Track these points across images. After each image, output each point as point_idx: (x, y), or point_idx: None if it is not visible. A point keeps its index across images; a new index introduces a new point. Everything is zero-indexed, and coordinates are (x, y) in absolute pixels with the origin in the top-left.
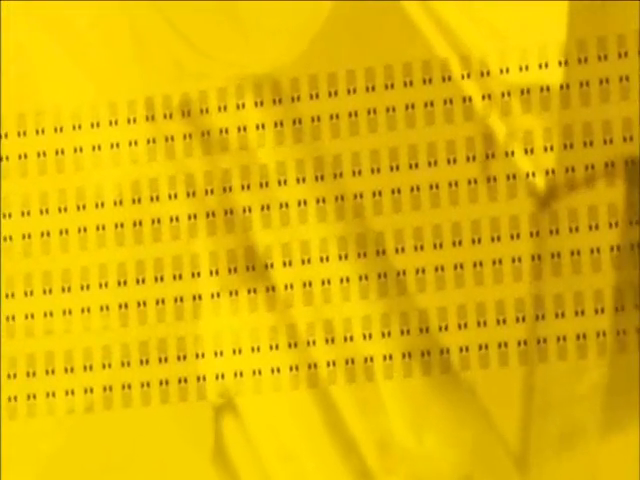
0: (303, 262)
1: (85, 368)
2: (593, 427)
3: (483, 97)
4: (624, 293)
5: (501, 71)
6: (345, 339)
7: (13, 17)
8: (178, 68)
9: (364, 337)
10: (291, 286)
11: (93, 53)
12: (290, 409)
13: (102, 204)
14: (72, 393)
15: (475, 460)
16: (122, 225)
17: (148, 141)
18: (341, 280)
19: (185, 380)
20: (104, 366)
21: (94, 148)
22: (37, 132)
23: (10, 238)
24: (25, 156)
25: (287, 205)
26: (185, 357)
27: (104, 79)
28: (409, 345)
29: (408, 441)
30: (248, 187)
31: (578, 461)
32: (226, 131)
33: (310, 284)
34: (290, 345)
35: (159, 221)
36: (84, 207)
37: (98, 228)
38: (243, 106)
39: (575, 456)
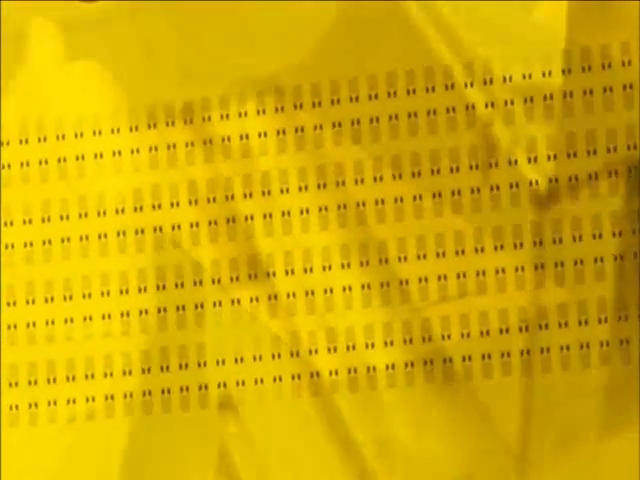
0: (305, 270)
1: (87, 377)
2: (593, 427)
3: (486, 105)
4: (627, 302)
5: (504, 79)
6: (348, 348)
7: (14, 22)
8: (182, 71)
9: (367, 346)
10: (293, 294)
11: (97, 60)
12: (292, 416)
13: (104, 212)
14: (73, 402)
15: (475, 460)
16: (124, 233)
17: (150, 149)
18: (343, 289)
19: (187, 389)
20: (105, 375)
21: (96, 156)
22: (39, 140)
23: (12, 246)
24: (27, 164)
25: (289, 213)
26: (187, 366)
27: (108, 85)
28: (412, 354)
29: (408, 442)
30: (250, 195)
31: (578, 461)
32: (228, 139)
33: (312, 292)
34: (292, 354)
35: (161, 229)
36: (86, 215)
37: (100, 236)
38: (245, 114)
39: (575, 456)
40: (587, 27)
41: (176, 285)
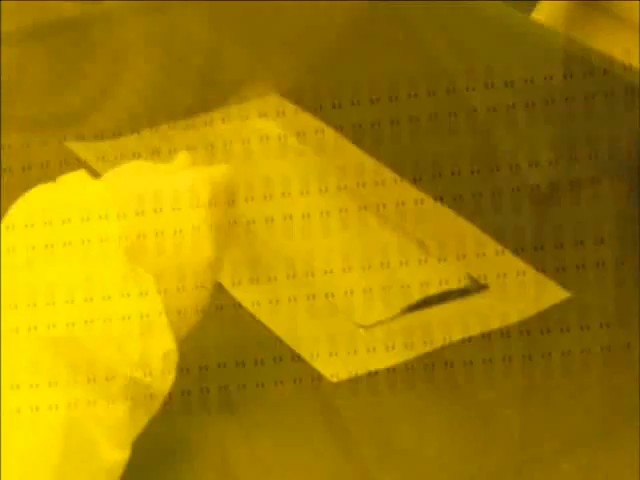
0: (307, 274)
1: (88, 380)
2: (593, 429)
3: (487, 109)
4: (628, 307)
5: (505, 83)
6: (348, 352)
7: (12, 23)
8: (183, 76)
9: (367, 350)
10: (294, 299)
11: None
12: (293, 419)
13: (106, 216)
14: (74, 406)
15: (475, 461)
16: (125, 237)
17: (152, 152)
18: (345, 293)
19: (189, 392)
20: (106, 378)
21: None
22: (39, 144)
23: (12, 249)
24: (28, 167)
25: (291, 217)
26: (189, 370)
27: (108, 87)
28: (413, 358)
29: (409, 444)
30: (252, 199)
31: (578, 462)
32: (229, 143)
33: (314, 297)
34: (293, 358)
35: (162, 233)
36: (88, 219)
37: (101, 240)
38: (246, 117)
39: (575, 456)
40: (587, 30)
41: (177, 289)
